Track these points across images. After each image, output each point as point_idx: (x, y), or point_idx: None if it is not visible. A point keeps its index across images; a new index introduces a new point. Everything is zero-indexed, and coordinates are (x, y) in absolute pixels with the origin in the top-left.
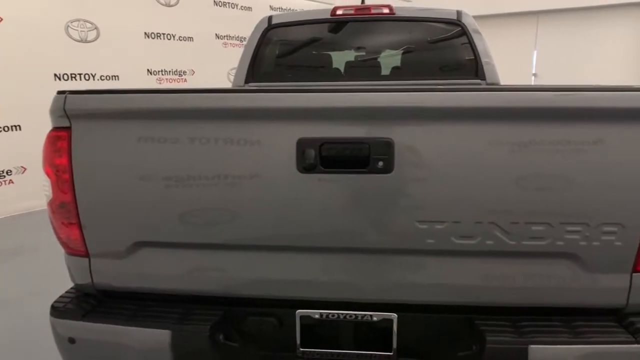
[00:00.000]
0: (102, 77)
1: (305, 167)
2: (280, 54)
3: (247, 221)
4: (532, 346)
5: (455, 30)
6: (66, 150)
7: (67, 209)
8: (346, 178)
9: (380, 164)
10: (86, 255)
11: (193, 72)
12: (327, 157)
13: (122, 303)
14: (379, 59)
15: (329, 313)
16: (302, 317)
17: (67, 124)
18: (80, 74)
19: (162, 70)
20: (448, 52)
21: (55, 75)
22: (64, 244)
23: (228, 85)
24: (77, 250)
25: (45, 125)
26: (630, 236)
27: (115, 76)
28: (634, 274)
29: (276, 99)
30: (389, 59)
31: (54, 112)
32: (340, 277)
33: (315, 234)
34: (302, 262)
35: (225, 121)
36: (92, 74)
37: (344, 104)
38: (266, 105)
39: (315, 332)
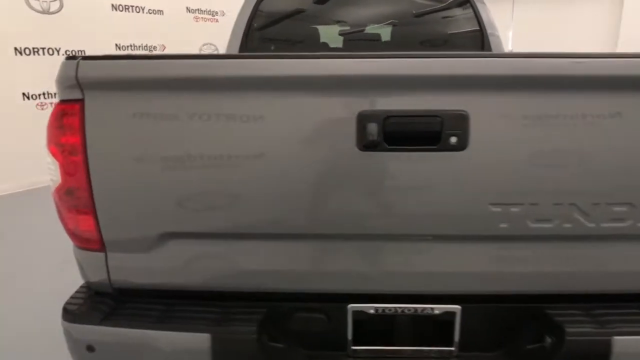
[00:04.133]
0: (67, 52)
1: (366, 144)
2: (276, 24)
3: (296, 207)
4: (616, 337)
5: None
6: (78, 127)
7: (78, 195)
8: (413, 156)
9: (453, 139)
10: (102, 249)
11: (164, 48)
12: (391, 133)
13: (147, 303)
14: (379, 31)
15: (385, 307)
16: (354, 313)
17: (79, 96)
18: (43, 48)
19: (131, 45)
20: (452, 23)
21: (16, 49)
22: (73, 236)
23: None
24: (90, 243)
25: (6, 102)
26: None
27: (81, 51)
28: None
29: (333, 66)
30: (393, 31)
31: (62, 81)
32: (398, 267)
33: (373, 220)
34: (355, 251)
35: (276, 92)
36: (56, 49)
37: (412, 72)
38: (324, 73)
39: (368, 328)
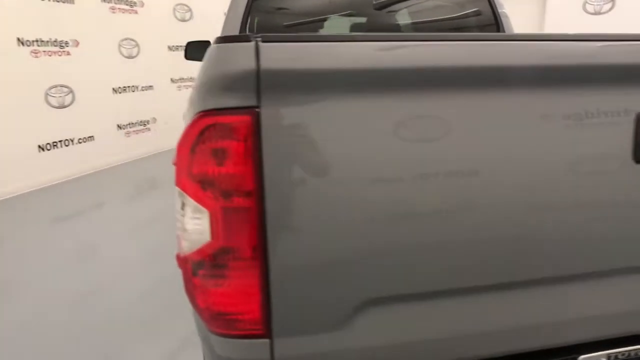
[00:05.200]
0: None
1: None
2: (277, 17)
3: (543, 242)
4: None
5: None
6: (249, 154)
7: (240, 257)
8: None
9: None
10: (266, 334)
11: (77, 44)
12: None
13: None
14: (393, 17)
15: (619, 352)
16: None
17: (251, 102)
18: None
19: (37, 40)
20: (465, 4)
21: None
22: (215, 319)
23: (122, 59)
24: (247, 327)
25: None
26: None
27: None
28: None
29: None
30: (404, 16)
31: (224, 78)
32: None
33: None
34: (597, 289)
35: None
36: None
37: None
38: (593, 61)
39: None
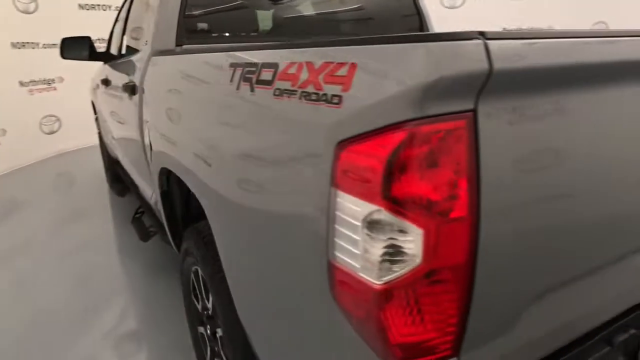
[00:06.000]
0: None
1: None
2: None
3: None
4: None
5: None
6: (467, 160)
7: (453, 281)
8: None
9: None
10: (455, 354)
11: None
12: None
13: None
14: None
15: None
16: None
17: (469, 105)
18: None
19: None
20: (393, 6)
21: None
22: (406, 351)
23: None
24: (440, 352)
25: None
26: None
27: None
28: None
29: None
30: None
31: (443, 83)
32: None
33: None
34: None
35: None
36: None
37: None
38: None
39: None
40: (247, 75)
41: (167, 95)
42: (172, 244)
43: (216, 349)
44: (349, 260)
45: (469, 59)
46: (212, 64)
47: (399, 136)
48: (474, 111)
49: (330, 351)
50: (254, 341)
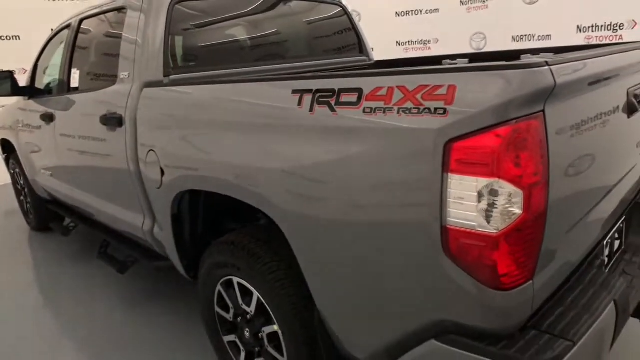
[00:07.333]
0: None
1: None
2: (201, 34)
3: None
4: None
5: (337, 10)
6: (542, 145)
7: (538, 226)
8: None
9: None
10: (531, 278)
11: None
12: None
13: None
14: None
15: None
16: None
17: (540, 108)
18: None
19: None
20: (334, 32)
21: None
22: (504, 279)
23: None
24: (526, 278)
25: None
26: None
27: None
28: None
29: None
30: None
31: (525, 96)
32: None
33: None
34: None
35: None
36: None
37: None
38: None
39: None
40: (322, 100)
41: (191, 123)
42: (181, 265)
43: (257, 349)
44: (465, 222)
45: (542, 79)
46: (265, 92)
47: (505, 130)
48: (543, 111)
49: (435, 297)
50: (337, 322)
